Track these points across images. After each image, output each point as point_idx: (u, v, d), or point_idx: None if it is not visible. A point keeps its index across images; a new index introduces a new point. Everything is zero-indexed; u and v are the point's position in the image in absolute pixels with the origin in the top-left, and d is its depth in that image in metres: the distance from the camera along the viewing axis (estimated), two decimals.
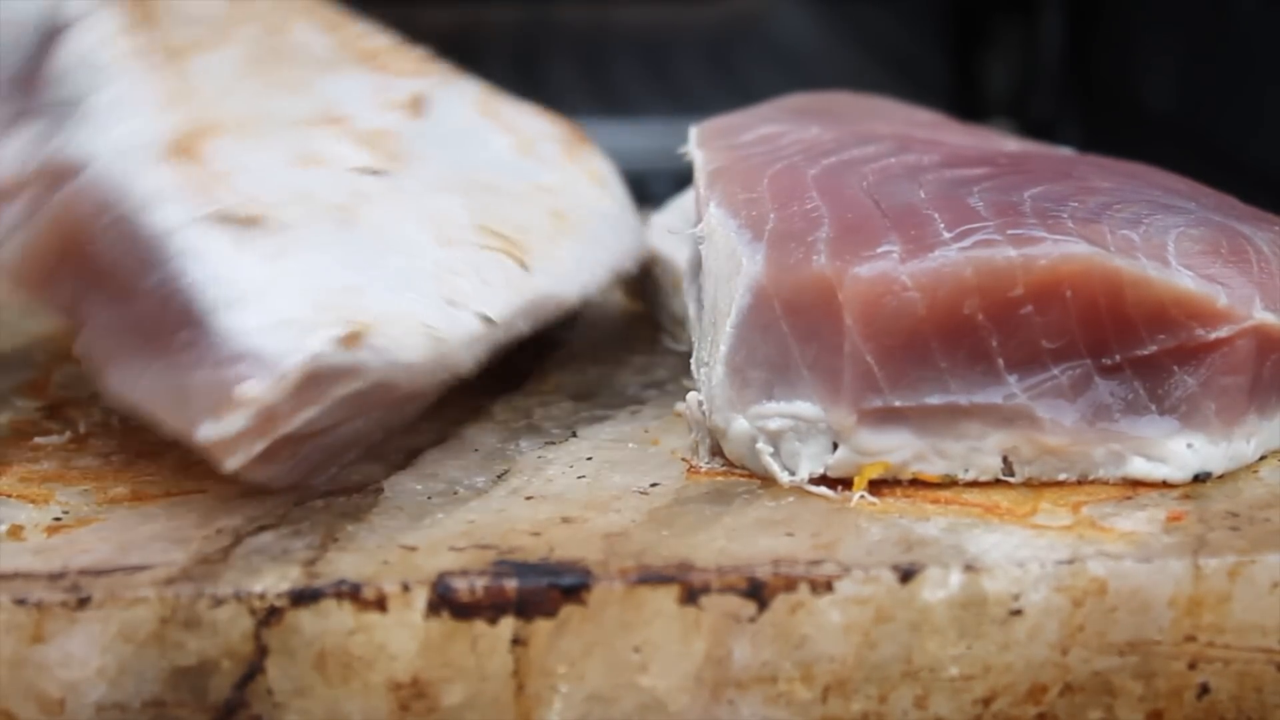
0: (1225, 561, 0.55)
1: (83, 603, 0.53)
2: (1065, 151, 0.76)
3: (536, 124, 0.78)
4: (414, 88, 0.72)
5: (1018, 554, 0.56)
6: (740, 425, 0.60)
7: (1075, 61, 1.31)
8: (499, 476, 0.62)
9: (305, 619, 0.54)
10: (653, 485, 0.61)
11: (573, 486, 0.61)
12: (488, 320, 0.62)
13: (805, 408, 0.60)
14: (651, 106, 1.45)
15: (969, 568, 0.55)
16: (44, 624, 0.53)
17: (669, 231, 0.79)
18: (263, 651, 0.54)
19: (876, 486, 0.60)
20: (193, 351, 0.56)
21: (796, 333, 0.59)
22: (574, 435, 0.66)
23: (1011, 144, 0.76)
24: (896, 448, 0.59)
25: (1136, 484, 0.60)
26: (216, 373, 0.55)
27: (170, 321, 0.56)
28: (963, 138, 0.75)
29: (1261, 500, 0.59)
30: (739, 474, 0.62)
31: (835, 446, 0.60)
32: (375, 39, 0.75)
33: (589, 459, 0.64)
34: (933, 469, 0.60)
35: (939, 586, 0.55)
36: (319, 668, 0.54)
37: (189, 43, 0.65)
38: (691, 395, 0.63)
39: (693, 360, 0.66)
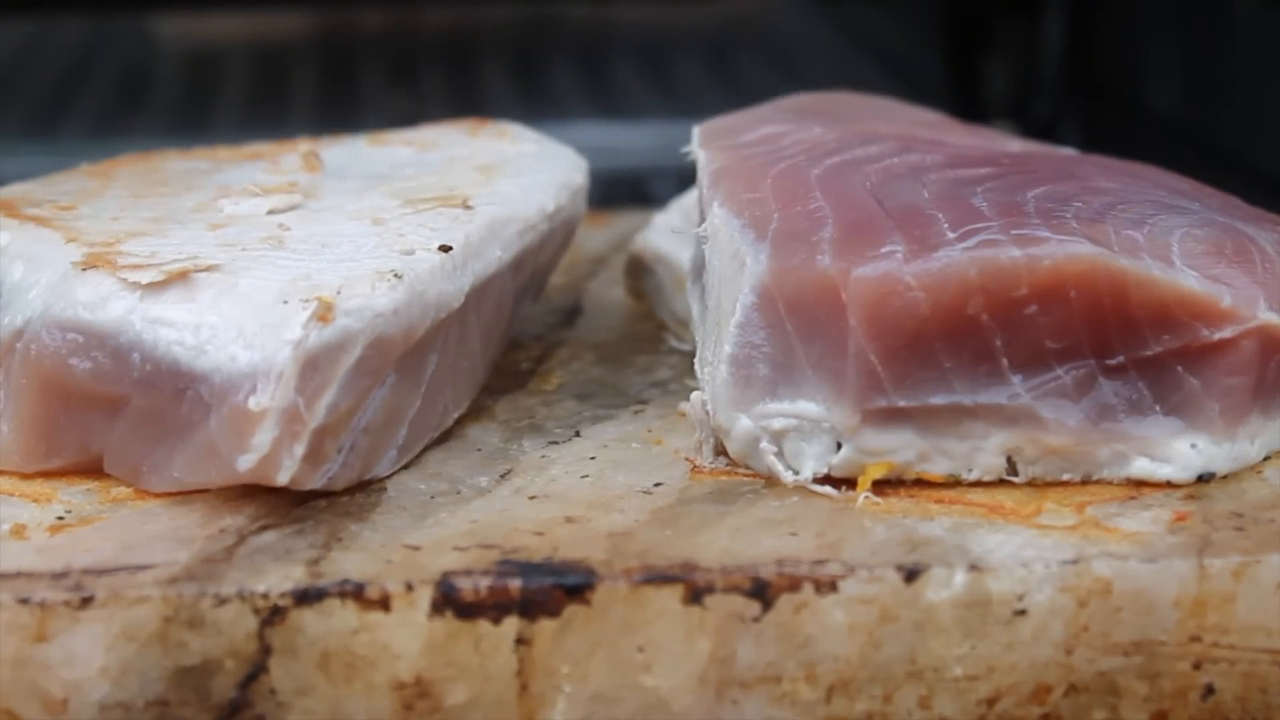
0: (1230, 562, 0.55)
1: (86, 602, 0.53)
2: (1068, 152, 0.76)
3: (430, 131, 0.81)
4: (302, 150, 0.76)
5: (1022, 554, 0.55)
6: (744, 425, 0.60)
7: (1076, 63, 1.31)
8: (502, 476, 0.62)
9: (309, 618, 0.54)
10: (656, 485, 0.61)
11: (576, 486, 0.61)
12: (446, 249, 0.63)
13: (809, 407, 0.60)
14: (651, 107, 1.45)
15: (973, 568, 0.55)
16: (47, 623, 0.53)
17: (672, 231, 0.78)
18: (266, 651, 0.54)
19: (880, 486, 0.60)
20: (200, 407, 0.57)
21: (800, 332, 0.59)
22: (577, 435, 0.66)
23: (1015, 144, 0.76)
24: (900, 447, 0.59)
25: (1141, 484, 0.60)
26: (226, 409, 0.56)
27: (170, 394, 0.58)
28: (966, 138, 0.75)
29: (1266, 501, 0.59)
30: (743, 473, 0.61)
31: (839, 446, 0.60)
32: (254, 146, 0.78)
33: (592, 458, 0.63)
34: (937, 469, 0.60)
35: (943, 586, 0.55)
36: (322, 667, 0.54)
37: (73, 201, 0.69)
38: (695, 395, 0.63)
39: (696, 360, 0.66)
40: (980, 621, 0.55)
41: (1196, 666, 0.56)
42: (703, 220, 0.66)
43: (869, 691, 0.55)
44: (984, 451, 0.60)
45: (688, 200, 0.81)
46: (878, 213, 0.62)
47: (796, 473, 0.60)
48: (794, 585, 0.54)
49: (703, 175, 0.69)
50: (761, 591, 0.54)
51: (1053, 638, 0.55)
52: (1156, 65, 1.18)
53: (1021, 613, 0.55)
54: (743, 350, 0.60)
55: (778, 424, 0.60)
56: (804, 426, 0.60)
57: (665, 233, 0.79)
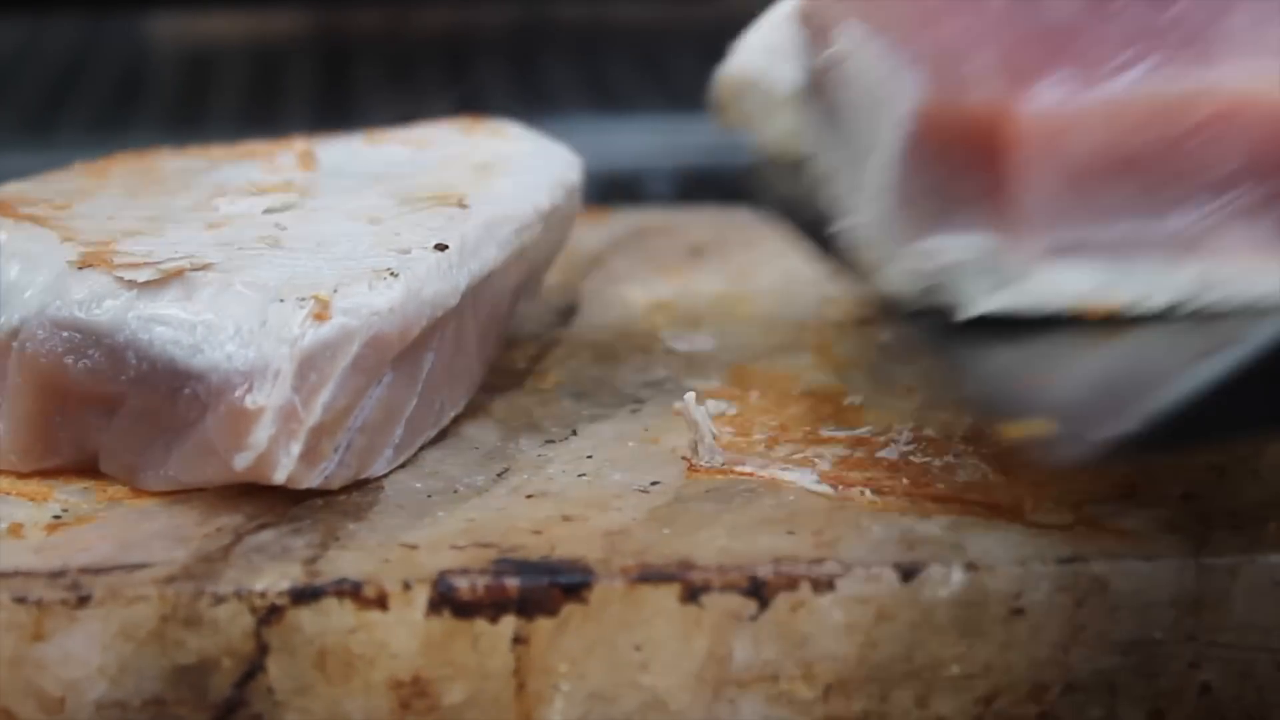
0: (1226, 561, 0.55)
1: (83, 601, 0.53)
2: None
3: (425, 129, 0.81)
4: (298, 149, 0.76)
5: (1019, 553, 0.55)
6: (903, 258, 0.58)
7: None
8: (499, 475, 0.62)
9: (306, 617, 0.54)
10: (653, 483, 0.61)
11: (573, 485, 0.61)
12: (442, 248, 0.63)
13: (973, 242, 0.57)
14: (648, 105, 1.45)
15: (970, 566, 0.55)
16: (44, 622, 0.53)
17: (769, 51, 0.73)
18: (263, 650, 0.54)
19: (878, 484, 0.60)
20: (197, 405, 0.57)
21: (963, 164, 0.56)
22: (574, 433, 0.66)
23: None
24: (1074, 281, 0.57)
25: (1136, 484, 0.60)
26: (223, 407, 0.56)
27: (166, 392, 0.58)
28: None
29: (1262, 499, 0.59)
30: (739, 473, 0.61)
31: (1004, 282, 0.57)
32: (250, 145, 0.78)
33: (589, 457, 0.63)
34: (1113, 300, 0.57)
35: (940, 585, 0.55)
36: (320, 666, 0.54)
37: (69, 199, 0.68)
38: (689, 394, 0.63)
39: (821, 189, 0.63)
40: (977, 620, 0.55)
41: (1193, 665, 0.56)
42: (815, 38, 0.62)
43: (866, 690, 0.55)
44: (1161, 280, 0.57)
45: (780, 16, 0.75)
46: (1040, 33, 0.57)
47: (960, 307, 0.57)
48: (791, 584, 0.54)
49: None
50: (758, 590, 0.54)
51: (1050, 636, 0.55)
52: None
53: (1019, 611, 0.55)
54: (900, 182, 0.57)
55: (939, 259, 0.57)
56: (967, 262, 0.57)
57: (760, 52, 0.73)
